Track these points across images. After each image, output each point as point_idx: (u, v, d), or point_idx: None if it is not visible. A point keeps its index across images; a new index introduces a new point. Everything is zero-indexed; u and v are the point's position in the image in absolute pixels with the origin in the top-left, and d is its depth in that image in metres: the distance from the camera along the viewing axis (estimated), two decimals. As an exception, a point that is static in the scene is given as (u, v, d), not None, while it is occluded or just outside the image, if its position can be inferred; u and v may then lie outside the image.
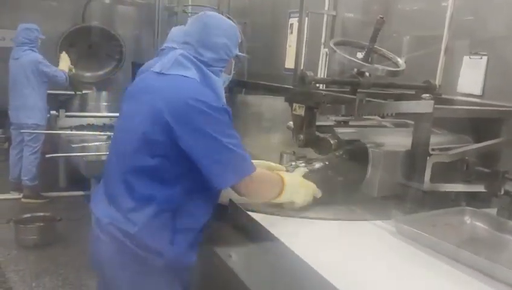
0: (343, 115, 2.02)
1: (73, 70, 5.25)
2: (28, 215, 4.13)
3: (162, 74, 1.65)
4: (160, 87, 1.61)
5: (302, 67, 4.16)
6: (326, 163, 1.97)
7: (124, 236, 1.56)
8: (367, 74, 2.11)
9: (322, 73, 4.10)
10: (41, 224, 4.05)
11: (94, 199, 1.75)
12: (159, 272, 1.59)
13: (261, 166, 1.96)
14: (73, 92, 5.48)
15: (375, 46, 2.17)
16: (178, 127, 1.51)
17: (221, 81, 1.73)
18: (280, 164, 2.52)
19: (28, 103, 4.87)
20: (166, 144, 1.54)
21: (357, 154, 1.94)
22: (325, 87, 2.69)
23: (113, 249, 1.60)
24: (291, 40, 4.88)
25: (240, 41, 1.80)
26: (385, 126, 2.32)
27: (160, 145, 1.54)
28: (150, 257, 1.56)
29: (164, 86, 1.61)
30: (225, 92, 3.20)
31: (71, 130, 4.69)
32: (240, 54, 1.81)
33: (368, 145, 1.93)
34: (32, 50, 4.93)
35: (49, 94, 5.46)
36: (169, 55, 1.71)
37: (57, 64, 5.12)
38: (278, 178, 1.71)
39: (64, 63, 5.12)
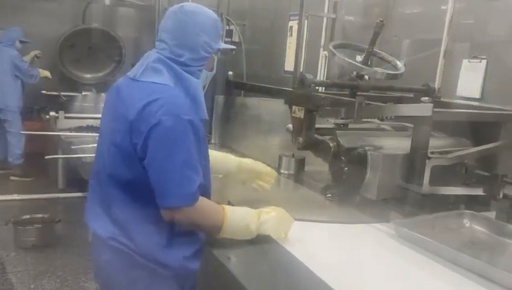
0: (342, 118, 2.02)
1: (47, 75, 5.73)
2: (27, 216, 4.12)
3: (136, 80, 1.53)
4: (130, 96, 1.51)
5: (301, 70, 4.16)
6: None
7: (127, 249, 1.53)
8: (366, 76, 2.12)
9: (321, 76, 4.10)
10: (40, 225, 4.04)
11: (88, 212, 1.67)
12: (166, 281, 1.57)
13: (252, 166, 2.00)
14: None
15: (374, 49, 2.17)
16: (138, 140, 1.44)
17: (199, 82, 1.59)
18: (280, 166, 2.54)
19: None
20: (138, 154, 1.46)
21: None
22: (325, 89, 2.71)
23: (119, 262, 1.56)
24: (291, 42, 4.89)
25: (221, 32, 1.64)
26: (384, 129, 2.32)
27: (136, 156, 1.46)
28: (154, 266, 1.53)
29: (132, 95, 1.50)
30: (223, 94, 3.24)
31: (70, 132, 4.70)
32: (225, 46, 1.65)
33: (367, 148, 1.93)
34: None
35: (48, 95, 5.51)
36: (143, 58, 1.58)
37: (56, 65, 5.22)
38: (220, 214, 1.53)
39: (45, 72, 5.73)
